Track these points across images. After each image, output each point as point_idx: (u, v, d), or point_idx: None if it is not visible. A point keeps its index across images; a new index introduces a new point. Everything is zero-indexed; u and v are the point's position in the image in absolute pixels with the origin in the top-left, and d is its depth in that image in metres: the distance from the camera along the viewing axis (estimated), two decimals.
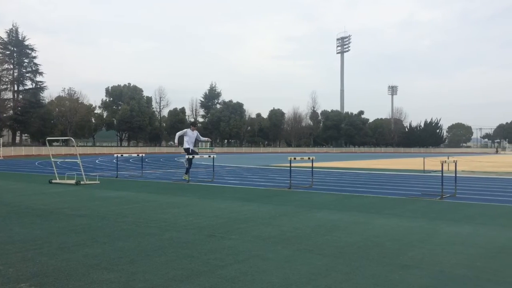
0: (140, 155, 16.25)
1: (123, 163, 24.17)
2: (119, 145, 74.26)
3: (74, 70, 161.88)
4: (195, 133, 12.24)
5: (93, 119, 68.84)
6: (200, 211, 6.43)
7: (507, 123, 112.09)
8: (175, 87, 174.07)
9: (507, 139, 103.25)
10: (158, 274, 3.29)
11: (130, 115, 68.46)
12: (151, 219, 5.72)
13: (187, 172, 11.95)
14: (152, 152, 60.90)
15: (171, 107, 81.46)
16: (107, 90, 74.35)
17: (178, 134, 12.21)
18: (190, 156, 12.02)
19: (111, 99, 74.03)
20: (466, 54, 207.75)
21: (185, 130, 12.21)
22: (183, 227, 5.13)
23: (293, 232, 4.88)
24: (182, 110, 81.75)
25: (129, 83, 75.09)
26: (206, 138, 13.78)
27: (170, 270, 3.38)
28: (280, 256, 3.81)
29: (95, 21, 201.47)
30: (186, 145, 12.00)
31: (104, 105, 73.82)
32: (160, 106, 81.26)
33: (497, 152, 76.77)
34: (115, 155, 15.40)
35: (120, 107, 71.64)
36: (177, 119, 78.52)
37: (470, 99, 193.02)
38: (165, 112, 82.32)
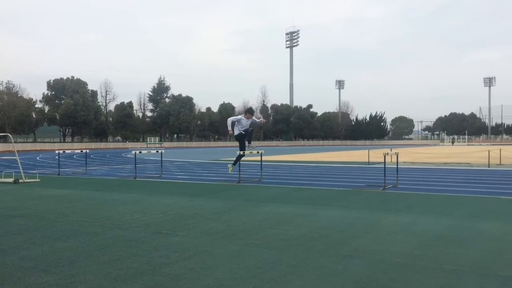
0: (84, 151, 15.65)
1: (66, 159, 23.22)
2: (62, 141, 71.28)
3: (12, 63, 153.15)
4: (250, 121, 10.61)
5: (33, 114, 65.57)
6: (146, 207, 6.29)
7: (445, 116, 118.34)
8: (122, 80, 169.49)
9: (445, 131, 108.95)
10: (100, 274, 3.18)
11: (74, 110, 65.82)
12: (95, 217, 5.52)
13: (235, 163, 10.68)
14: (98, 148, 58.92)
15: (118, 101, 79.17)
16: (48, 83, 70.99)
17: (230, 120, 10.50)
18: (241, 153, 10.43)
19: (53, 93, 70.84)
20: (408, 50, 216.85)
21: (239, 116, 10.65)
22: (128, 225, 4.99)
23: (241, 226, 4.88)
24: (130, 104, 79.64)
25: (72, 76, 72.13)
26: (260, 120, 11.71)
27: (113, 270, 3.27)
28: (227, 251, 3.79)
29: (35, 11, 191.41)
30: (237, 131, 10.43)
31: (46, 99, 70.48)
32: (106, 100, 78.73)
33: (453, 144, 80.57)
34: (57, 151, 14.75)
35: (63, 101, 68.67)
36: (124, 114, 76.42)
37: (412, 93, 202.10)
38: (111, 107, 79.90)
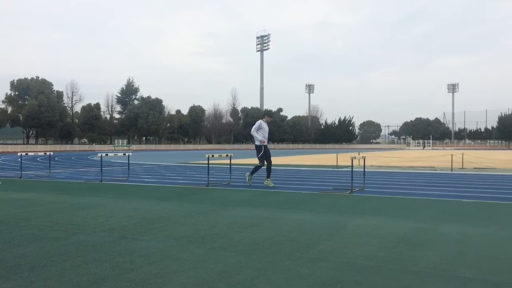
0: (49, 153, 15.21)
1: (29, 162, 22.51)
2: (25, 142, 69.07)
3: None
4: (266, 125, 10.03)
5: None
6: (111, 212, 6.16)
7: (411, 120, 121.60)
8: (89, 81, 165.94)
9: (411, 136, 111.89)
10: (61, 281, 3.08)
11: (39, 111, 63.98)
12: (57, 222, 5.36)
13: (252, 172, 10.01)
14: (63, 150, 57.49)
15: (84, 103, 77.55)
16: (12, 83, 68.74)
17: (255, 132, 9.84)
18: (261, 164, 9.90)
19: (17, 93, 68.67)
20: (376, 56, 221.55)
21: (259, 122, 9.99)
22: (92, 230, 4.87)
23: (208, 230, 4.84)
24: (97, 105, 78.14)
25: (37, 76, 70.17)
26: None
27: (74, 276, 3.18)
28: (193, 256, 3.75)
29: None
30: (258, 142, 9.96)
31: (9, 99, 68.21)
32: (72, 101, 77.01)
33: (424, 148, 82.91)
34: (20, 153, 14.28)
35: (27, 102, 66.60)
36: (91, 115, 74.89)
37: (379, 98, 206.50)
38: (78, 108, 78.21)
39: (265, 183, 9.87)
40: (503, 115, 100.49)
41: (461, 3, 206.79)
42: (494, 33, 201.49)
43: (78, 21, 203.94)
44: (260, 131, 9.98)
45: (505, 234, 4.69)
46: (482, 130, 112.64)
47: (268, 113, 10.43)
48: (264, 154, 9.93)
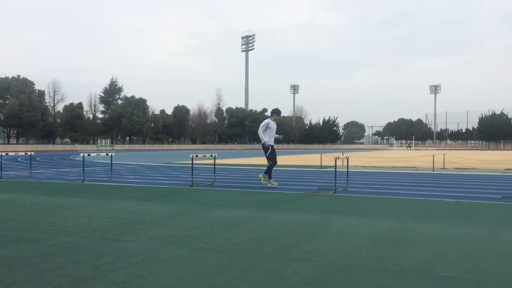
0: (29, 153, 14.96)
1: (9, 162, 22.12)
2: (6, 142, 67.82)
3: None
4: (275, 124, 9.80)
5: None
6: (93, 212, 6.08)
7: (394, 121, 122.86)
8: (72, 81, 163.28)
9: (394, 136, 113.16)
10: (40, 283, 3.03)
11: (20, 110, 62.90)
12: (37, 223, 5.27)
13: (266, 172, 9.77)
14: (44, 150, 56.64)
15: (67, 102, 76.51)
16: None
17: (261, 131, 9.58)
18: (270, 162, 9.69)
19: None
20: (360, 57, 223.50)
21: (266, 121, 9.74)
22: (73, 231, 4.80)
23: (191, 231, 4.82)
24: (80, 105, 77.18)
25: (18, 75, 68.99)
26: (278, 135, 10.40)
27: (54, 278, 3.13)
28: (176, 256, 3.73)
29: None
30: (269, 141, 9.74)
31: None
32: (54, 100, 75.90)
33: (409, 147, 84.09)
34: (0, 153, 14.01)
35: (7, 101, 65.40)
36: (74, 115, 73.93)
37: (363, 99, 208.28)
38: (60, 107, 77.12)
39: (260, 175, 9.87)
40: (483, 116, 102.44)
41: (444, 6, 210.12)
42: (475, 36, 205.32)
43: (61, 19, 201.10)
44: (267, 131, 9.75)
45: (484, 233, 4.77)
46: (463, 130, 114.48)
47: (276, 111, 9.97)
48: (270, 153, 9.74)
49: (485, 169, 16.77)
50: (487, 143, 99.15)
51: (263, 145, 9.75)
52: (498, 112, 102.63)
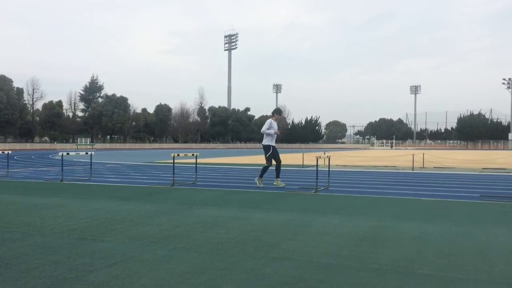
0: (7, 152, 14.64)
1: None
2: None
3: None
4: (275, 123, 9.66)
5: None
6: (72, 212, 5.99)
7: (375, 121, 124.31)
8: (51, 78, 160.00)
9: (375, 136, 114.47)
10: (16, 284, 2.97)
11: None
12: (14, 223, 5.16)
13: (261, 173, 9.65)
14: (22, 149, 55.57)
15: (46, 100, 75.17)
16: None
17: (266, 129, 9.45)
18: (268, 164, 9.58)
19: None
20: (342, 57, 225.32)
21: (269, 121, 9.57)
22: (51, 231, 4.72)
23: (172, 230, 4.78)
24: (59, 103, 75.97)
25: None
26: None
27: (30, 279, 3.07)
28: (156, 257, 3.69)
29: None
30: (267, 142, 9.60)
31: None
32: (33, 98, 74.46)
33: (392, 147, 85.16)
34: None
35: None
36: (53, 113, 72.74)
37: (345, 99, 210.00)
38: (39, 105, 75.75)
39: (274, 183, 9.54)
40: (462, 116, 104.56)
41: (425, 7, 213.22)
42: (454, 38, 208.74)
43: (41, 15, 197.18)
44: (271, 129, 9.62)
45: (460, 231, 4.86)
46: (442, 130, 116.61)
47: (277, 111, 9.86)
48: (272, 154, 9.62)
49: (463, 168, 17.09)
50: (465, 143, 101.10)
51: (264, 145, 9.68)
52: (476, 112, 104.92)
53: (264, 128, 9.62)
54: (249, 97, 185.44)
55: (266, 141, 9.65)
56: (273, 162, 9.71)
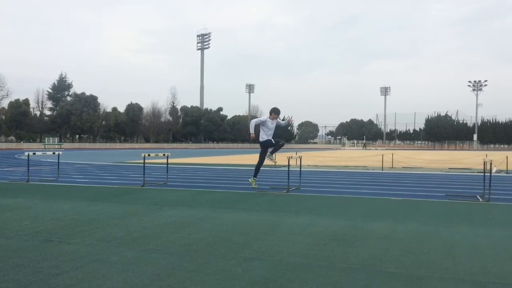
0: None
1: None
2: None
3: None
4: (275, 122, 9.58)
5: None
6: (37, 214, 5.82)
7: (346, 121, 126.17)
8: (18, 76, 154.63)
9: (346, 136, 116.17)
10: None
11: None
12: None
13: (255, 173, 9.62)
14: None
15: (12, 98, 72.87)
16: None
17: (254, 122, 9.53)
18: (270, 155, 9.64)
19: None
20: (314, 57, 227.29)
21: (263, 118, 9.61)
22: (15, 233, 4.57)
23: (141, 232, 4.71)
24: (26, 101, 73.77)
25: None
26: (285, 121, 10.61)
27: None
28: (124, 259, 3.63)
29: None
30: (264, 137, 9.48)
31: None
32: None
33: (364, 147, 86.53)
34: None
35: None
36: (19, 112, 70.64)
37: (317, 99, 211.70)
38: (4, 104, 73.30)
39: (250, 180, 9.61)
40: (429, 117, 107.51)
41: (396, 10, 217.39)
42: (422, 40, 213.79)
43: (6, 9, 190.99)
44: (263, 128, 9.54)
45: (426, 230, 4.98)
46: (411, 131, 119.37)
47: (275, 110, 9.58)
48: (262, 151, 9.67)
49: (430, 168, 17.54)
50: (433, 143, 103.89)
51: (261, 142, 9.59)
52: (443, 114, 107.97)
53: (253, 121, 9.63)
54: (222, 97, 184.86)
55: (263, 136, 9.53)
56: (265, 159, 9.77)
